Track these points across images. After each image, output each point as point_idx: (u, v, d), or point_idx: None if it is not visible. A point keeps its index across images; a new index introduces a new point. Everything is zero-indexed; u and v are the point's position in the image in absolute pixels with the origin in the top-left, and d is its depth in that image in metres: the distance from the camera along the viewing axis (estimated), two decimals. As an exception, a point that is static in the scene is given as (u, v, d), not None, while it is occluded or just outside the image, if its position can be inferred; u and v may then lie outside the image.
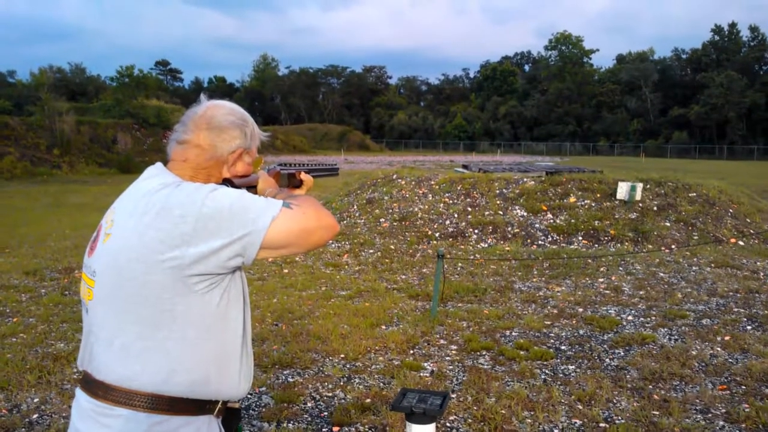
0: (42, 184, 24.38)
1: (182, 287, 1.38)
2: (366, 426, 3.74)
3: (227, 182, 1.59)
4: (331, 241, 9.78)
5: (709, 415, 3.87)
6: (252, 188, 1.68)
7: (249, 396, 4.11)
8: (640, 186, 10.78)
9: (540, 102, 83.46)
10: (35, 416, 3.88)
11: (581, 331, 5.58)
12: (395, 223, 10.64)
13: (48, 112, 31.89)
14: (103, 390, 1.42)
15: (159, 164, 1.58)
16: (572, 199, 10.83)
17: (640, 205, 10.65)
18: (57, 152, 31.00)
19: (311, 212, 1.43)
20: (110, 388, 1.42)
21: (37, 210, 15.67)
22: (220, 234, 1.36)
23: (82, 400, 1.49)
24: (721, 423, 3.77)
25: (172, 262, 1.36)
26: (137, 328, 1.40)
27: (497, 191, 11.26)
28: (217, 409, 1.51)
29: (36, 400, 4.11)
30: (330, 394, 4.21)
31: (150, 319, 1.39)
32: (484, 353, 5.01)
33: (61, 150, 31.16)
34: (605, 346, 5.20)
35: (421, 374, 4.56)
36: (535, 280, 7.59)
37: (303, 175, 1.84)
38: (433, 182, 12.04)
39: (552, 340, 5.33)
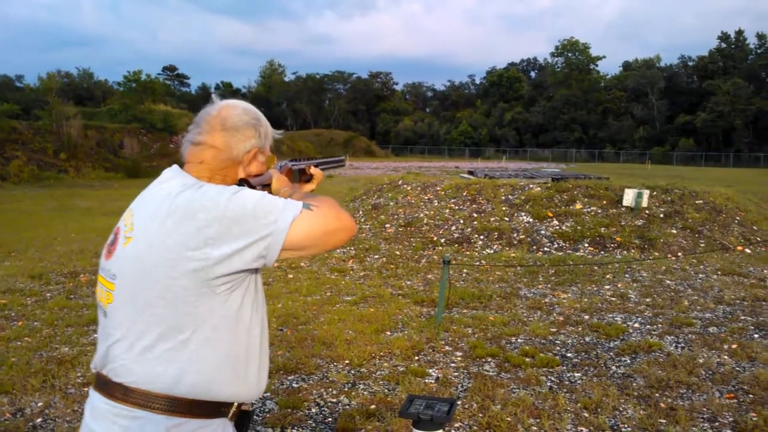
0: (49, 188, 24.45)
1: (205, 289, 1.40)
2: (370, 432, 3.72)
3: (243, 182, 1.61)
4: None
5: (717, 423, 3.84)
6: (266, 186, 1.69)
7: (253, 401, 4.10)
8: (646, 193, 10.75)
9: (546, 108, 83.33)
10: (39, 420, 3.87)
11: (587, 339, 5.55)
12: (400, 229, 10.62)
13: (55, 117, 31.97)
14: (121, 392, 1.43)
15: (175, 166, 1.59)
16: (578, 206, 10.79)
17: (647, 212, 10.61)
18: (64, 156, 31.08)
19: (331, 214, 1.45)
20: (129, 390, 1.42)
21: (44, 214, 15.71)
22: (243, 236, 1.38)
23: (97, 401, 1.49)
24: (729, 432, 3.74)
25: (196, 264, 1.38)
26: (159, 329, 1.41)
27: (503, 197, 11.23)
28: (231, 412, 1.53)
29: (40, 404, 4.10)
30: (334, 400, 4.19)
31: (173, 321, 1.41)
32: (489, 360, 4.99)
33: (68, 154, 31.23)
34: (611, 353, 5.17)
35: (426, 381, 4.54)
36: (540, 286, 7.56)
37: (313, 169, 1.87)
38: (438, 188, 12.03)
39: (558, 348, 5.31)
